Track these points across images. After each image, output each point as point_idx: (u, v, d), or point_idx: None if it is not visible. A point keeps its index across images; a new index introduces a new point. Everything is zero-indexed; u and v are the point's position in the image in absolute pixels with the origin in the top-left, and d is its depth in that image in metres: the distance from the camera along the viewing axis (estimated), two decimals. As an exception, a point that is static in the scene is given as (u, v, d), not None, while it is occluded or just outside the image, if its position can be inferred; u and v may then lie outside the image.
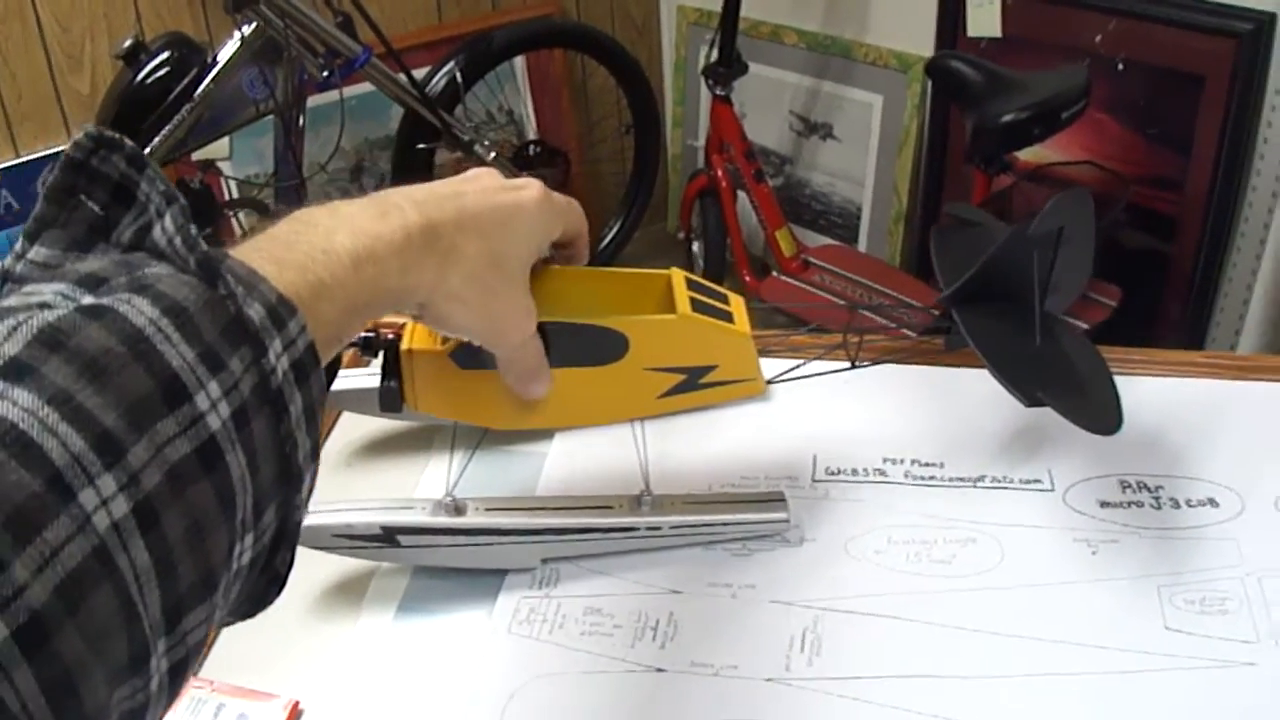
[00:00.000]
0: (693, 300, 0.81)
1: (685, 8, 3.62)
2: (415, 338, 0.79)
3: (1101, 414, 0.88)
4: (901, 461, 0.97)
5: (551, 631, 0.84)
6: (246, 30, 2.47)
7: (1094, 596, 0.84)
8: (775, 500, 0.90)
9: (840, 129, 3.29)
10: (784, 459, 0.98)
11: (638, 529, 0.88)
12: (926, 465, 0.96)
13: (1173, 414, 1.00)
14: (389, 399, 0.79)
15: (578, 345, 0.79)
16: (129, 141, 0.52)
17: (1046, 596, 0.84)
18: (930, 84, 2.98)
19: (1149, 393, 1.02)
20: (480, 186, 0.71)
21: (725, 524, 0.89)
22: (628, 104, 3.43)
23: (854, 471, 0.97)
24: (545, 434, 1.02)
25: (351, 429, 1.06)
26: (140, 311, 0.46)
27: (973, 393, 1.03)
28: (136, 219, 0.52)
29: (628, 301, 0.83)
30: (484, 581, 0.88)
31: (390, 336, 0.79)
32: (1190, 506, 0.91)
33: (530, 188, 0.73)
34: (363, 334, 0.78)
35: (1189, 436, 0.98)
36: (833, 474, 0.96)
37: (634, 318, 0.80)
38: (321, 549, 0.85)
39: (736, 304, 0.86)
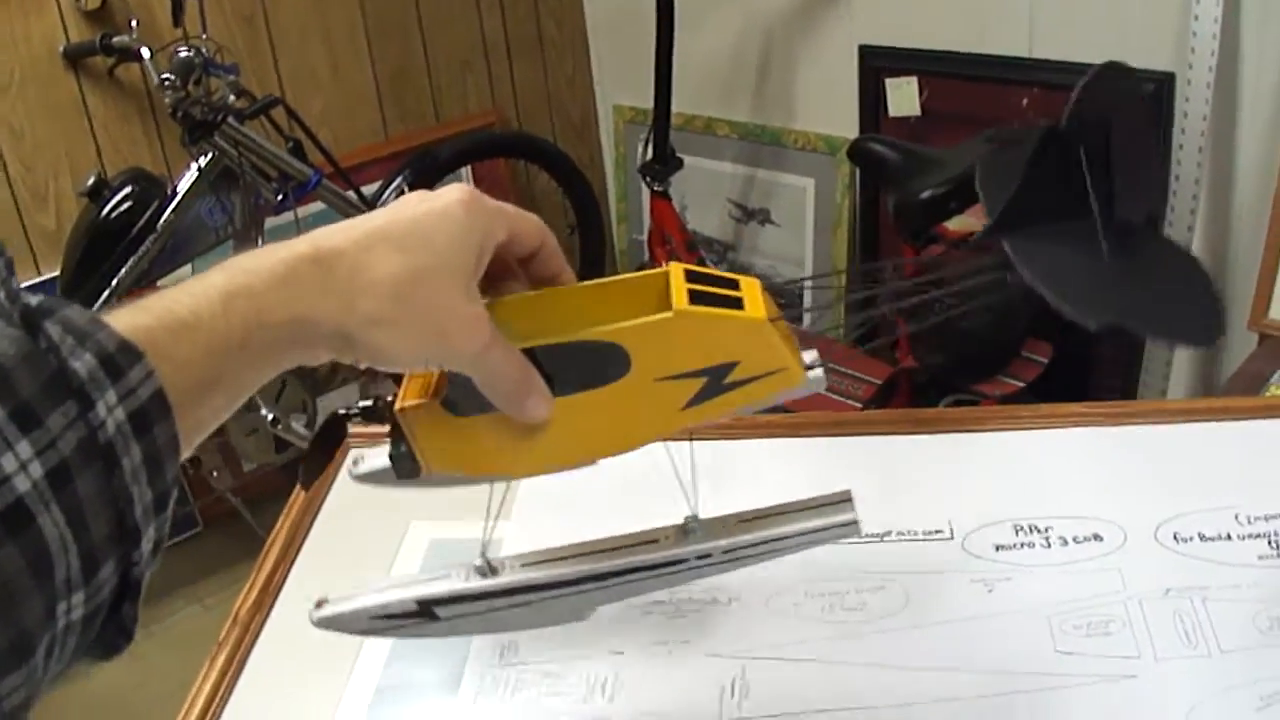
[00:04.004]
0: (693, 293, 0.70)
1: (621, 107, 3.75)
2: (406, 393, 0.73)
3: (1194, 326, 0.80)
4: (816, 522, 1.07)
5: (513, 695, 0.94)
6: (203, 161, 2.58)
7: (992, 629, 0.94)
8: (840, 501, 0.82)
9: (777, 213, 3.42)
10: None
11: (685, 560, 0.79)
12: (838, 525, 1.07)
13: (1061, 461, 1.11)
14: (404, 465, 0.73)
15: (571, 368, 0.71)
16: None
17: (949, 632, 0.94)
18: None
19: (1038, 443, 1.14)
20: (394, 205, 0.68)
21: (786, 537, 0.81)
22: (571, 205, 3.54)
23: (774, 535, 1.07)
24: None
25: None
26: None
27: (880, 456, 1.14)
28: None
29: (624, 312, 0.71)
30: (451, 656, 0.98)
31: (391, 400, 0.73)
32: (1077, 543, 1.01)
33: (451, 191, 0.68)
34: (361, 403, 0.74)
35: (1076, 479, 1.09)
36: (755, 538, 1.06)
37: (624, 324, 0.70)
38: (362, 634, 0.83)
39: (749, 287, 0.73)
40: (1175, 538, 1.00)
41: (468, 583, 0.80)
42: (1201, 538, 0.99)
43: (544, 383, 0.70)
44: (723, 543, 0.79)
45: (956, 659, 0.92)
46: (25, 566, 0.45)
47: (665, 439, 0.76)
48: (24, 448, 0.46)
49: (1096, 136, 0.79)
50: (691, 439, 0.79)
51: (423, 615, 0.81)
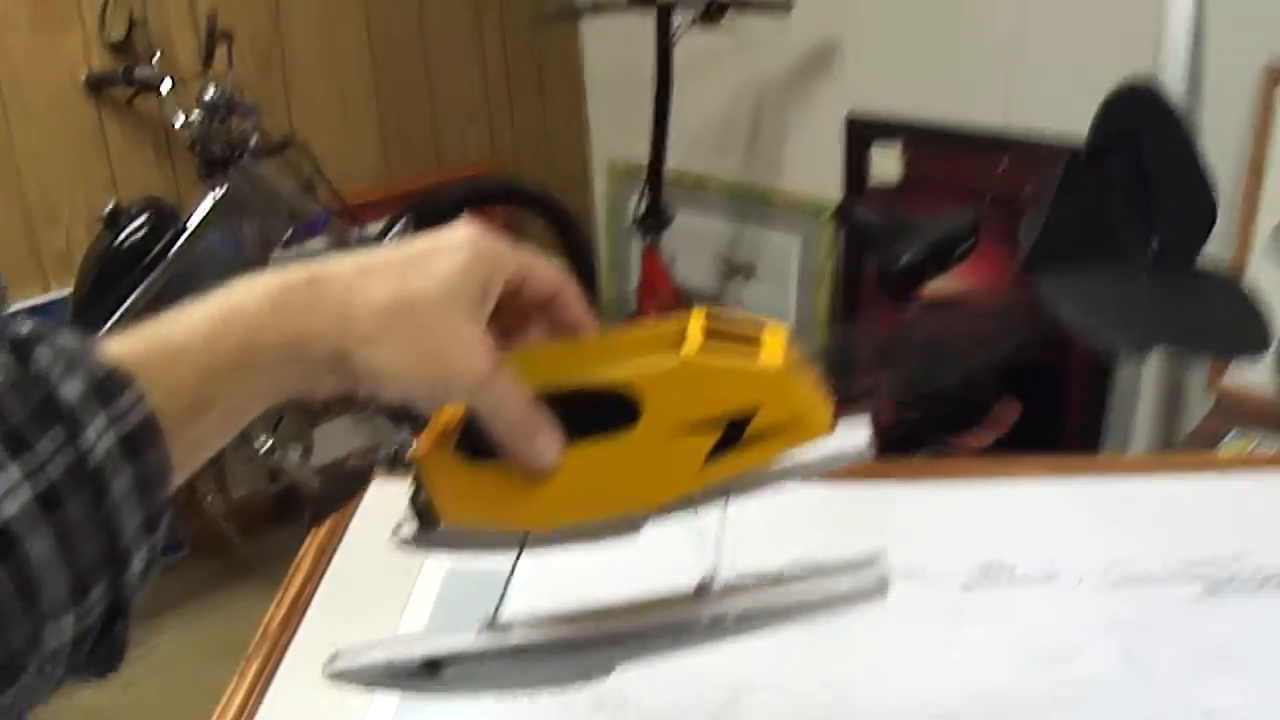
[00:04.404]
0: (708, 337, 0.68)
1: (615, 161, 3.86)
2: (425, 438, 0.70)
3: (1240, 340, 0.71)
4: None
5: (528, 704, 1.02)
6: (218, 194, 2.67)
7: (957, 656, 1.04)
8: (867, 564, 0.77)
9: (762, 269, 3.52)
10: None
11: (698, 623, 0.74)
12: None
13: (1025, 508, 1.22)
14: (421, 515, 0.71)
15: (581, 415, 0.67)
16: None
17: (919, 658, 1.04)
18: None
19: (1007, 491, 1.24)
20: (400, 242, 0.66)
21: (807, 602, 0.75)
22: (564, 254, 3.59)
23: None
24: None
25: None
26: None
27: (865, 501, 1.26)
28: None
29: (640, 358, 0.69)
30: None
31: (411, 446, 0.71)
32: (1036, 581, 1.11)
33: (459, 228, 0.66)
34: (384, 450, 0.74)
35: (1038, 525, 1.19)
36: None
37: (629, 370, 0.67)
38: (366, 686, 0.80)
39: (772, 334, 0.70)
40: (1121, 578, 1.10)
41: (471, 642, 0.77)
42: (1144, 579, 1.10)
43: (553, 423, 0.67)
44: (737, 606, 0.75)
45: (925, 683, 1.01)
46: (13, 590, 0.45)
47: (692, 496, 0.71)
48: (13, 472, 0.46)
49: (1128, 157, 0.73)
50: (728, 498, 0.73)
51: (428, 673, 0.78)
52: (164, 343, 0.56)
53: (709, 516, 0.74)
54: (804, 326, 3.43)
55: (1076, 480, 1.26)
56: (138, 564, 0.52)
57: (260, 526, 3.25)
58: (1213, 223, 0.73)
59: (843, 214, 2.77)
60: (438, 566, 1.19)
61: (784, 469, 0.74)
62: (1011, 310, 2.87)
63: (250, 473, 3.00)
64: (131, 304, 2.61)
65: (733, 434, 0.67)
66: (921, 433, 2.76)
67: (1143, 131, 0.72)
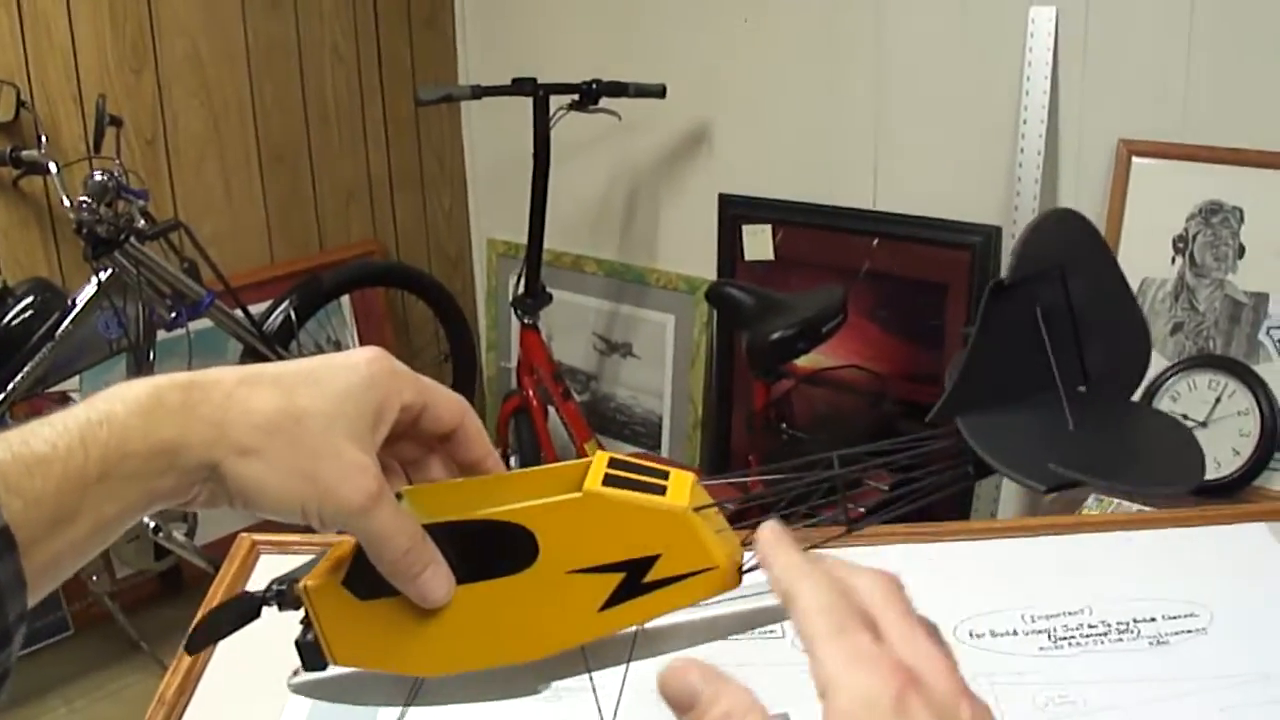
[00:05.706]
0: (610, 477, 0.65)
1: (494, 241, 3.92)
2: (316, 571, 0.67)
3: (1167, 474, 0.71)
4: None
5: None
6: (103, 276, 2.67)
7: (815, 709, 1.12)
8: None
9: (639, 347, 3.59)
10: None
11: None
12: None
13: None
14: (309, 654, 0.67)
15: (476, 552, 0.65)
16: None
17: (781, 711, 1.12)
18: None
19: (864, 557, 1.32)
20: (301, 358, 0.64)
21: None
22: (445, 334, 3.68)
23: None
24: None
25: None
26: None
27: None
28: None
29: (539, 497, 0.66)
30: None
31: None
32: (891, 639, 1.19)
33: (361, 350, 0.64)
34: (276, 587, 0.66)
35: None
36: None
37: (529, 504, 0.65)
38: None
39: (678, 478, 0.67)
40: (970, 634, 1.17)
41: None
42: (992, 634, 1.17)
43: (443, 559, 0.64)
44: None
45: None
46: None
47: (590, 650, 0.69)
48: None
49: (1052, 290, 0.73)
50: (629, 662, 0.71)
51: None
52: (27, 451, 0.53)
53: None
54: (680, 402, 3.50)
55: (933, 545, 1.33)
56: None
57: (146, 605, 3.22)
58: (1148, 355, 0.71)
59: (714, 294, 2.85)
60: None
61: (692, 626, 0.71)
62: (878, 384, 2.97)
63: (136, 551, 2.98)
64: (17, 384, 2.60)
65: (634, 581, 0.65)
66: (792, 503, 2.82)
67: (1069, 260, 0.70)
